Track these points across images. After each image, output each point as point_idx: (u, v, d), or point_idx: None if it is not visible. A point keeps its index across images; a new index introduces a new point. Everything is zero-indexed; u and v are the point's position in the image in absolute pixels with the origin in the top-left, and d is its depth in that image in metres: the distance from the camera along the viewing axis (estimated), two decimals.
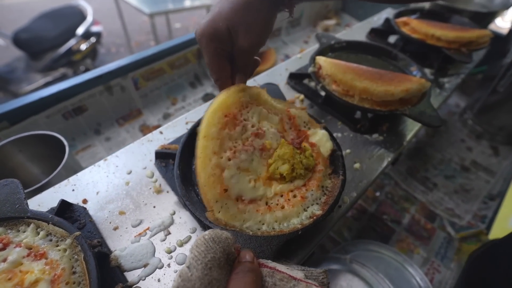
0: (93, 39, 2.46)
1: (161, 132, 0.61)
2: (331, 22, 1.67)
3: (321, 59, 0.69)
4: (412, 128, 0.70)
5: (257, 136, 0.44)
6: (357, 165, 0.60)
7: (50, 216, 0.39)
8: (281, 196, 0.43)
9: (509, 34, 1.05)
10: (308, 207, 0.43)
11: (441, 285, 0.85)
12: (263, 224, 0.41)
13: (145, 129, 1.09)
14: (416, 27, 0.90)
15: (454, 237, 0.96)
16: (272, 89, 0.60)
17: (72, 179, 0.52)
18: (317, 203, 0.44)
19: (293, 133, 0.51)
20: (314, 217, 0.41)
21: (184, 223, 0.48)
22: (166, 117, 1.15)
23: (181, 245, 0.45)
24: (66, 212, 0.45)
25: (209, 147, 0.40)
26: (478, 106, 1.24)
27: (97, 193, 0.50)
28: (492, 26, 1.27)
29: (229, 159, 0.41)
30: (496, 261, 0.57)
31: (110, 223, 0.47)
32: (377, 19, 1.15)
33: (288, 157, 0.43)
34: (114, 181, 0.52)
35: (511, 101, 1.13)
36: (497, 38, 1.09)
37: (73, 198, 0.49)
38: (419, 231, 0.99)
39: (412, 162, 1.19)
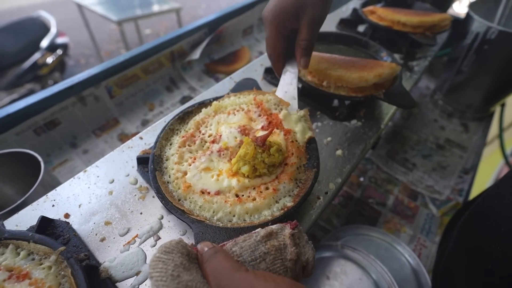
0: (59, 51, 2.36)
1: (141, 138, 0.60)
2: None
3: None
4: (388, 112, 0.73)
5: (214, 142, 0.50)
6: (339, 152, 0.61)
7: (30, 234, 0.37)
8: (254, 188, 0.44)
9: (467, 17, 1.12)
10: (280, 199, 0.43)
11: (428, 259, 0.89)
12: (233, 216, 0.42)
13: (124, 138, 1.06)
14: (382, 15, 0.93)
15: (436, 215, 1.01)
16: (250, 83, 0.60)
17: (51, 194, 0.49)
18: (289, 195, 0.44)
19: (263, 119, 0.51)
20: (286, 209, 0.42)
21: (173, 226, 0.47)
22: (145, 123, 1.12)
23: None
24: (48, 229, 0.43)
25: (173, 160, 0.49)
26: (446, 86, 1.31)
27: (80, 206, 0.48)
28: (450, 11, 1.35)
29: (190, 165, 0.47)
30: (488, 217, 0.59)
31: (96, 235, 0.45)
32: (345, 10, 1.18)
33: (248, 158, 0.43)
34: (96, 191, 0.50)
35: (475, 80, 1.20)
36: (457, 21, 1.16)
37: (54, 214, 0.47)
38: (403, 210, 1.03)
39: (391, 145, 1.24)
